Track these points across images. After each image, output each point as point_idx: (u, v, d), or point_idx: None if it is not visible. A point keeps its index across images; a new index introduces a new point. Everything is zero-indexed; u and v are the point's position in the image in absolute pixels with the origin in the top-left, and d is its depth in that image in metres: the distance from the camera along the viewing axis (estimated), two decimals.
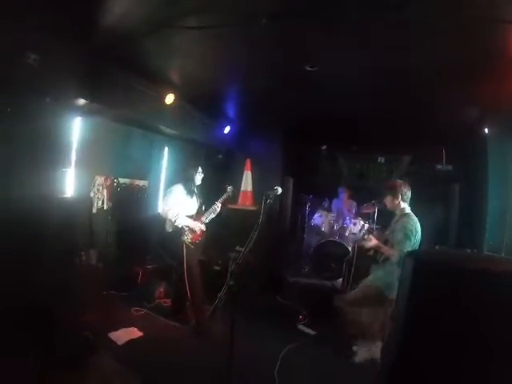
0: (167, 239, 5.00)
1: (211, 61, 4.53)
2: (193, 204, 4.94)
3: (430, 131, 6.57)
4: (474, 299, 1.30)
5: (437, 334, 1.32)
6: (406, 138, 7.24)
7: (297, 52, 3.99)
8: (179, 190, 4.81)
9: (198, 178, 4.93)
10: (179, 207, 4.74)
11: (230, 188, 5.12)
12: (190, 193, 4.88)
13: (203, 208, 5.06)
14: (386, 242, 4.08)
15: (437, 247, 2.51)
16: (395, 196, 4.06)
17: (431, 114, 5.52)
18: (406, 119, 6.07)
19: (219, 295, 3.53)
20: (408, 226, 3.83)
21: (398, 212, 4.12)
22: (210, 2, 3.13)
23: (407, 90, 4.69)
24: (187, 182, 4.85)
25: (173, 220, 4.69)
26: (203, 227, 4.93)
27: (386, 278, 3.91)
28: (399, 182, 4.19)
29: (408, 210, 4.05)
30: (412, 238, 3.78)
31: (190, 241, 4.77)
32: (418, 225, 3.88)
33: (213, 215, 5.04)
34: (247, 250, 3.16)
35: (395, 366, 1.43)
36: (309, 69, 4.25)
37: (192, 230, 4.79)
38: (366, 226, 5.58)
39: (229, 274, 5.69)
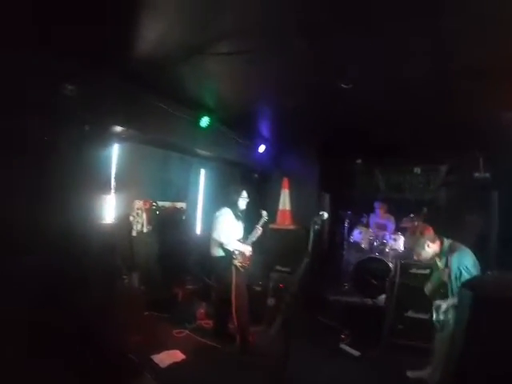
0: (215, 263, 4.94)
1: (244, 82, 4.58)
2: (240, 228, 5.00)
3: (466, 138, 6.32)
4: None
5: (497, 371, 1.24)
6: (441, 146, 7.06)
7: (329, 69, 3.95)
8: (228, 213, 4.87)
9: (242, 202, 4.96)
10: (231, 231, 4.79)
11: (264, 213, 5.14)
12: (237, 217, 4.94)
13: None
14: (442, 284, 3.52)
15: (489, 273, 2.34)
16: (428, 242, 3.47)
17: (467, 120, 5.31)
18: (441, 127, 5.91)
19: (273, 325, 3.37)
20: (469, 262, 3.23)
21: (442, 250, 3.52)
22: (240, 27, 3.16)
23: (440, 96, 4.55)
24: (232, 206, 4.90)
25: (225, 243, 4.73)
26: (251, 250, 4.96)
27: None
28: (417, 226, 3.68)
29: (447, 240, 3.50)
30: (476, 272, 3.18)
31: (240, 264, 4.78)
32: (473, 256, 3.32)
33: (254, 239, 5.03)
34: (299, 279, 3.00)
35: None
36: (344, 86, 4.20)
37: (243, 254, 4.82)
38: None
39: (270, 294, 5.68)
